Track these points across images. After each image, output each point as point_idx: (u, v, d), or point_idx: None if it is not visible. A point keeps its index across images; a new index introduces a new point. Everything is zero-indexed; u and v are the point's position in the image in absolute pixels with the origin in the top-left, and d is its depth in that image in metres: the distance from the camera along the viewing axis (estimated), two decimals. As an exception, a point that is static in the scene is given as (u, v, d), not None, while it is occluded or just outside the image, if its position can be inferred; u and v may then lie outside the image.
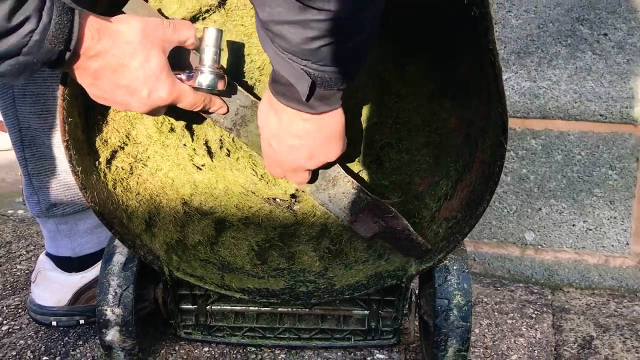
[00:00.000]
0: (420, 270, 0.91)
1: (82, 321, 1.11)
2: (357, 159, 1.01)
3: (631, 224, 1.38)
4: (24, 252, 1.54)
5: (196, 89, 0.80)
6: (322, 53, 0.67)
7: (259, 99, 0.88)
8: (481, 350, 1.08)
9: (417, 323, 1.06)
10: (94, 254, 1.11)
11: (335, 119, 0.78)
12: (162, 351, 1.03)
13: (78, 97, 0.78)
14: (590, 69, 1.34)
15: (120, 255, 0.93)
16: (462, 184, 0.90)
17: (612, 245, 1.40)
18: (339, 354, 1.03)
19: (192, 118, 0.93)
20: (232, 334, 1.03)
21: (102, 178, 0.88)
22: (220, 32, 0.79)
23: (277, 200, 1.04)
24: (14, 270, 1.42)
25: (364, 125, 1.00)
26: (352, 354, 1.03)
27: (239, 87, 0.87)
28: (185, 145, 0.97)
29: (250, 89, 0.94)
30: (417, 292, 1.02)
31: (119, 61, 0.70)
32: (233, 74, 0.92)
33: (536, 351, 1.08)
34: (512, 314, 1.25)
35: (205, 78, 0.79)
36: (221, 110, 0.87)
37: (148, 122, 0.93)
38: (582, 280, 1.43)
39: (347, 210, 0.92)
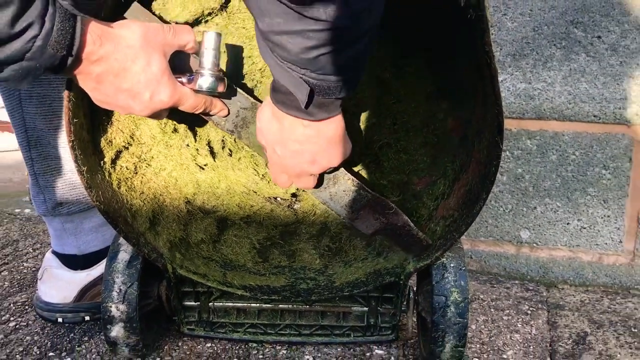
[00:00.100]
0: (418, 267, 0.91)
1: (87, 318, 1.11)
2: (356, 159, 1.01)
3: (624, 223, 1.37)
4: (31, 250, 1.54)
5: (197, 91, 0.80)
6: (320, 62, 0.68)
7: (260, 101, 0.89)
8: (478, 346, 1.09)
9: (415, 319, 1.06)
10: (99, 252, 1.12)
11: (334, 125, 0.79)
12: (165, 347, 1.03)
13: (83, 98, 0.79)
14: (584, 71, 1.34)
15: (124, 253, 0.93)
16: (459, 183, 0.91)
17: (606, 243, 1.39)
18: (338, 349, 1.03)
19: (194, 120, 0.94)
20: (234, 330, 1.03)
21: (107, 177, 0.88)
22: (219, 36, 0.80)
23: (278, 199, 1.04)
24: (21, 267, 1.42)
25: (363, 126, 1.00)
26: (352, 350, 1.03)
27: (238, 90, 0.87)
28: (188, 145, 0.98)
29: (250, 91, 0.94)
30: (415, 289, 1.02)
31: (121, 65, 0.71)
32: (233, 76, 0.92)
33: (531, 347, 1.08)
34: (508, 311, 1.25)
35: (205, 80, 0.80)
36: (222, 112, 0.87)
37: (152, 122, 0.94)
38: (577, 278, 1.43)
39: (348, 208, 0.92)
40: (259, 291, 0.94)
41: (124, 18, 0.77)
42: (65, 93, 0.76)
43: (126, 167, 0.92)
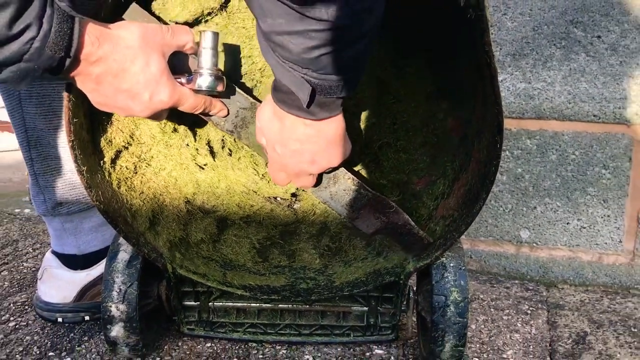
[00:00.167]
0: (418, 267, 0.91)
1: (87, 317, 1.11)
2: (356, 159, 1.01)
3: (624, 222, 1.38)
4: (31, 250, 1.55)
5: (196, 91, 0.80)
6: (322, 62, 0.68)
7: (259, 100, 0.89)
8: (477, 345, 1.09)
9: (415, 319, 1.06)
10: (98, 252, 1.12)
11: (335, 124, 0.79)
12: (165, 347, 1.03)
13: (83, 98, 0.78)
14: (584, 71, 1.34)
15: (124, 253, 0.93)
16: (459, 183, 0.91)
17: (606, 243, 1.40)
18: (338, 349, 1.04)
19: (193, 120, 0.94)
20: (234, 330, 1.03)
21: (107, 177, 0.88)
22: (216, 35, 0.80)
23: (278, 199, 1.05)
24: (21, 267, 1.42)
25: (362, 125, 1.01)
26: (352, 350, 1.04)
27: (238, 90, 0.88)
28: (188, 145, 0.98)
29: (249, 91, 0.94)
30: (414, 288, 1.02)
31: (120, 66, 0.71)
32: (233, 76, 0.92)
33: (531, 346, 1.09)
34: (507, 310, 1.25)
35: (204, 80, 0.80)
36: (221, 112, 0.87)
37: (151, 122, 0.94)
38: (576, 277, 1.44)
39: (349, 207, 0.92)
40: (259, 291, 0.94)
41: (123, 19, 0.77)
42: (65, 93, 0.76)
43: (126, 166, 0.92)
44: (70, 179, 1.06)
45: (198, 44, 0.80)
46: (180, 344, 1.05)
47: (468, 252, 1.51)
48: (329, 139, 0.81)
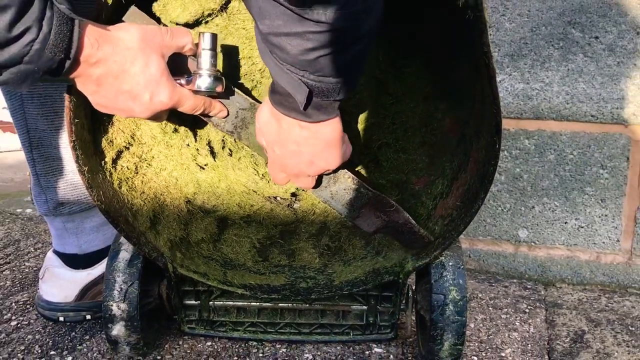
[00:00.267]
0: (417, 266, 0.91)
1: (88, 316, 1.11)
2: (355, 159, 1.01)
3: (621, 222, 1.38)
4: (32, 250, 1.55)
5: (196, 92, 0.81)
6: (319, 64, 0.68)
7: (258, 101, 0.89)
8: (476, 344, 1.09)
9: (414, 318, 1.06)
10: (100, 251, 1.12)
11: (332, 127, 0.79)
12: (166, 345, 1.03)
13: (84, 99, 0.78)
14: (582, 71, 1.35)
15: (125, 253, 0.94)
16: (458, 182, 0.91)
17: (603, 242, 1.40)
18: (338, 348, 1.04)
19: (194, 121, 0.94)
20: (234, 329, 1.03)
21: (108, 177, 0.88)
22: (215, 36, 0.80)
23: (278, 198, 1.05)
24: (23, 267, 1.42)
25: (361, 126, 1.01)
26: (351, 348, 1.04)
27: (237, 91, 0.88)
28: (188, 145, 0.98)
29: (249, 92, 0.95)
30: (413, 287, 1.03)
31: (120, 67, 0.71)
32: (232, 77, 0.93)
33: (529, 345, 1.09)
34: (506, 309, 1.26)
35: (203, 81, 0.80)
36: (221, 113, 0.87)
37: (152, 123, 0.94)
38: (574, 276, 1.44)
39: (349, 206, 0.92)
40: (259, 290, 0.94)
41: (123, 22, 0.78)
42: (67, 93, 0.77)
43: (127, 167, 0.92)
44: (71, 179, 1.06)
45: (197, 45, 0.80)
46: (180, 342, 1.05)
47: (467, 252, 1.52)
48: (326, 141, 0.81)
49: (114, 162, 0.90)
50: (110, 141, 0.90)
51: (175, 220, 0.96)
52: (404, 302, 0.99)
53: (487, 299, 1.32)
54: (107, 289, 0.92)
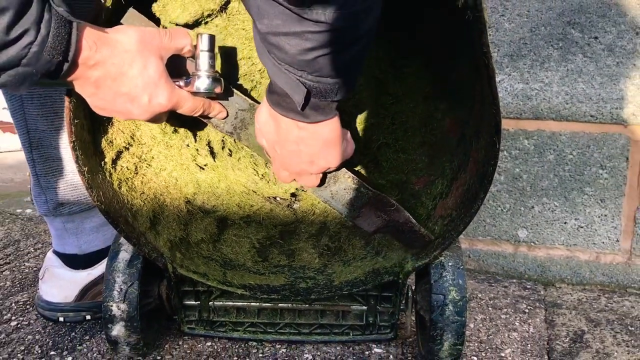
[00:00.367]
0: (417, 266, 0.91)
1: (88, 317, 1.11)
2: (355, 159, 1.00)
3: (621, 222, 1.38)
4: (32, 250, 1.55)
5: (194, 93, 0.81)
6: (318, 64, 0.68)
7: (257, 102, 0.89)
8: (476, 344, 1.09)
9: (413, 318, 1.06)
10: (99, 252, 1.12)
11: (330, 127, 0.79)
12: (166, 346, 1.03)
13: (84, 99, 0.78)
14: (581, 71, 1.35)
15: (125, 253, 0.94)
16: (457, 182, 0.91)
17: (603, 242, 1.40)
18: (337, 348, 1.04)
19: (193, 121, 0.94)
20: (234, 329, 1.03)
21: (108, 178, 0.88)
22: (213, 38, 0.80)
23: (278, 199, 1.05)
24: (22, 267, 1.42)
25: (361, 126, 1.01)
26: (351, 348, 1.04)
27: (236, 91, 0.88)
28: (188, 145, 0.98)
29: (248, 93, 0.95)
30: (413, 288, 1.03)
31: (118, 69, 0.71)
32: (232, 78, 0.93)
33: (529, 345, 1.09)
34: (505, 309, 1.26)
35: (202, 82, 0.80)
36: (221, 114, 0.87)
37: (152, 124, 0.95)
38: (574, 276, 1.44)
39: (350, 206, 0.92)
40: (259, 290, 0.94)
41: (121, 24, 0.78)
42: (66, 94, 0.77)
43: (127, 167, 0.92)
44: (71, 180, 1.07)
45: (195, 47, 0.80)
46: (180, 343, 1.05)
47: (466, 252, 1.52)
48: (325, 141, 0.81)
49: (114, 162, 0.90)
50: (110, 141, 0.90)
51: (175, 221, 0.96)
52: (403, 302, 0.99)
53: (486, 299, 1.32)
54: (107, 289, 0.92)
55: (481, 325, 1.18)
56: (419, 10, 0.88)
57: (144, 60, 0.73)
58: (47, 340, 1.06)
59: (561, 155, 1.40)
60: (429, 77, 0.96)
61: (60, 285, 1.10)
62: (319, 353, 1.03)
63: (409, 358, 1.02)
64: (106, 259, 0.96)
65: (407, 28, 0.91)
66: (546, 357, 1.05)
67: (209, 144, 1.00)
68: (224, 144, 1.01)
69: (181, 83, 0.80)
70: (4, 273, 1.38)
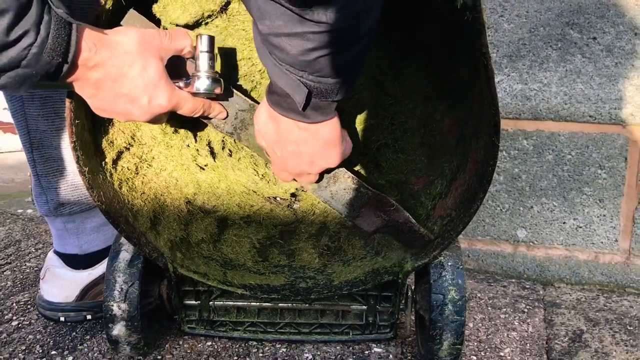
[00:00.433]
0: (416, 266, 0.91)
1: (89, 316, 1.11)
2: (354, 159, 1.01)
3: (620, 222, 1.38)
4: (33, 250, 1.55)
5: (194, 94, 0.81)
6: (319, 64, 0.68)
7: (258, 102, 0.89)
8: (475, 343, 1.09)
9: (413, 317, 1.06)
10: (100, 252, 1.12)
11: (330, 127, 0.79)
12: (166, 345, 1.04)
13: (85, 100, 0.79)
14: (580, 72, 1.35)
15: (126, 253, 0.94)
16: (457, 183, 0.91)
17: (602, 242, 1.40)
18: (337, 347, 1.04)
19: (194, 122, 0.95)
20: (235, 329, 1.04)
21: (109, 178, 0.89)
22: (212, 39, 0.81)
23: (278, 199, 1.05)
24: (24, 267, 1.43)
25: (361, 127, 1.01)
26: (351, 348, 1.04)
27: (236, 92, 0.88)
28: (188, 146, 0.98)
29: (248, 93, 0.95)
30: (413, 287, 1.03)
31: (118, 71, 0.71)
32: (232, 78, 0.93)
33: (528, 344, 1.09)
34: (505, 309, 1.26)
35: (202, 83, 0.80)
36: (221, 115, 0.88)
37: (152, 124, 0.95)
38: (573, 276, 1.44)
39: (350, 206, 0.93)
40: (259, 290, 0.94)
41: (121, 26, 0.78)
42: (67, 95, 0.77)
43: (127, 167, 0.92)
44: (72, 180, 1.07)
45: (195, 48, 0.81)
46: (181, 342, 1.05)
47: (466, 251, 1.52)
48: (325, 140, 0.81)
49: (115, 162, 0.91)
50: (111, 142, 0.90)
51: (176, 221, 0.97)
52: (403, 301, 0.99)
53: (485, 298, 1.33)
54: (107, 289, 0.92)
55: (480, 324, 1.18)
56: (419, 10, 0.88)
57: (144, 62, 0.73)
58: (48, 339, 1.06)
59: (560, 156, 1.40)
60: (429, 78, 0.96)
61: (61, 285, 1.11)
62: (319, 352, 1.03)
63: (409, 357, 1.02)
64: (107, 258, 0.96)
65: (407, 28, 0.91)
66: (545, 356, 1.05)
67: (209, 144, 1.00)
68: (224, 144, 1.01)
69: (181, 84, 0.80)
70: (5, 273, 1.39)
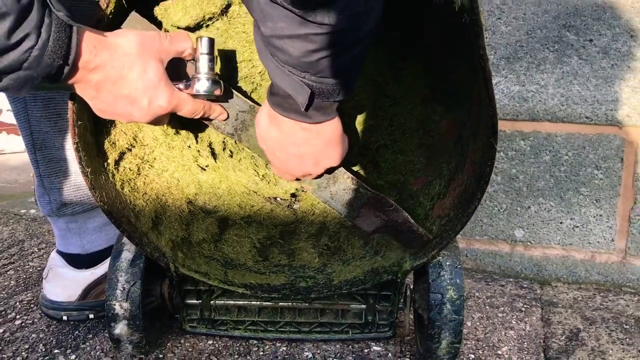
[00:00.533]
0: (415, 266, 0.91)
1: (91, 315, 1.12)
2: (354, 160, 1.02)
3: (616, 222, 1.39)
4: (36, 250, 1.56)
5: (194, 96, 0.81)
6: (321, 65, 0.68)
7: (258, 104, 0.89)
8: (473, 342, 1.10)
9: (412, 316, 1.07)
10: (102, 251, 1.12)
11: (332, 127, 0.80)
12: (168, 344, 1.04)
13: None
14: (577, 74, 1.35)
15: (128, 253, 0.94)
16: (455, 183, 0.92)
17: (598, 242, 1.41)
18: (337, 346, 1.04)
19: (195, 123, 0.95)
20: (235, 328, 1.04)
21: (111, 178, 0.89)
22: (212, 41, 0.81)
23: (278, 199, 1.05)
24: (27, 267, 1.43)
25: (360, 128, 1.01)
26: (350, 346, 1.04)
27: (236, 93, 0.88)
28: (190, 147, 0.99)
29: (248, 95, 0.95)
30: (411, 287, 1.03)
31: (118, 73, 0.71)
32: (233, 80, 0.93)
33: (525, 343, 1.10)
34: (502, 308, 1.26)
35: (202, 85, 0.81)
36: (221, 116, 0.88)
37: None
38: (570, 275, 1.44)
39: (349, 206, 0.93)
40: (260, 289, 0.94)
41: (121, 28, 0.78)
42: (69, 96, 0.77)
43: (129, 168, 0.93)
44: (74, 181, 1.07)
45: (195, 50, 0.81)
46: (182, 341, 1.06)
47: (464, 251, 1.52)
48: (327, 140, 0.81)
49: (117, 163, 0.91)
50: (113, 143, 0.90)
51: (177, 221, 0.97)
52: (402, 301, 1.00)
53: (483, 297, 1.33)
54: (109, 289, 0.93)
55: (478, 323, 1.19)
56: (419, 12, 0.88)
57: (144, 64, 0.73)
58: (51, 338, 1.06)
59: (557, 156, 1.40)
60: (427, 80, 0.96)
61: (64, 284, 1.11)
62: (318, 351, 1.03)
63: (407, 356, 1.02)
64: (109, 258, 0.96)
65: (407, 29, 0.92)
66: (542, 354, 1.06)
67: (210, 145, 1.00)
68: (225, 145, 1.01)
69: (181, 86, 0.81)
70: (8, 272, 1.39)
